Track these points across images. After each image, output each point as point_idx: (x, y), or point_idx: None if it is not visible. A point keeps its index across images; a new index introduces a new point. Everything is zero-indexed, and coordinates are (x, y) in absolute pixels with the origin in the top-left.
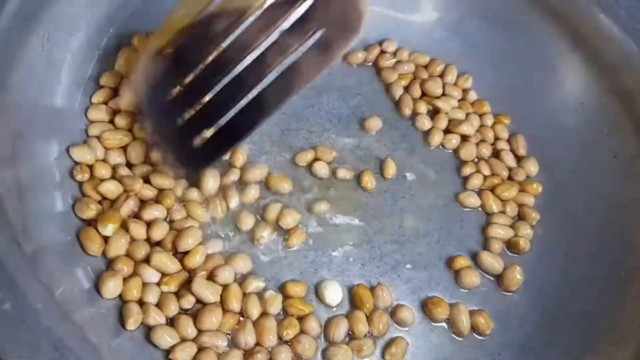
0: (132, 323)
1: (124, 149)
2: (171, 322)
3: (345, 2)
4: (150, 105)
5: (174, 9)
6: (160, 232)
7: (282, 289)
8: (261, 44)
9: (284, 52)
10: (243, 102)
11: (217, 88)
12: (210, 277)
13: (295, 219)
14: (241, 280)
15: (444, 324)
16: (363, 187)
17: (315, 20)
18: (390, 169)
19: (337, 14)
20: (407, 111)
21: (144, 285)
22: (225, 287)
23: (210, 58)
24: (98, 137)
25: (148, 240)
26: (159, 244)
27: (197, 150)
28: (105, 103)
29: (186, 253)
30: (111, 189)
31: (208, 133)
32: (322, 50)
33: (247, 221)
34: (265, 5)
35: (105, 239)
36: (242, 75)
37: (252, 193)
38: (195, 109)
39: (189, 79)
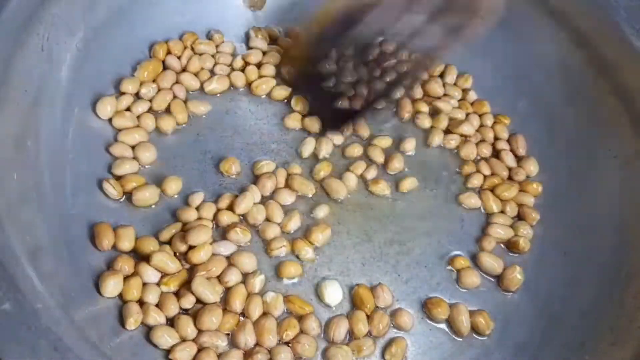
0: (132, 323)
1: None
2: (171, 322)
3: None
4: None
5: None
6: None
7: (277, 268)
8: (397, 29)
9: (416, 35)
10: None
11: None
12: (219, 280)
13: (327, 236)
14: (243, 279)
15: (443, 324)
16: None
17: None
18: (389, 170)
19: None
20: (406, 114)
21: (144, 285)
22: (230, 287)
23: (355, 43)
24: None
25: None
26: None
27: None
28: (128, 109)
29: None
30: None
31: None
32: (453, 33)
33: (271, 230)
34: None
35: (116, 234)
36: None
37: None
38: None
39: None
